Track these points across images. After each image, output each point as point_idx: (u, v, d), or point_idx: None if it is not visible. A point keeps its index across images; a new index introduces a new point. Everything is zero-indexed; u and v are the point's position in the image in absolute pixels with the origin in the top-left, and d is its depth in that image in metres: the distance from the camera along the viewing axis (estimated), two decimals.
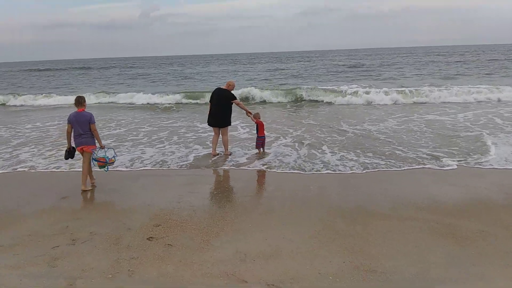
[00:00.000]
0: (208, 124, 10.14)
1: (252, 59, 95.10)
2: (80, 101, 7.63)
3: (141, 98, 23.32)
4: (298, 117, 15.91)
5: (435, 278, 4.25)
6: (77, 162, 8.91)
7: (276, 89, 23.72)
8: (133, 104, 22.52)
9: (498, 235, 5.20)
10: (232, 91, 9.86)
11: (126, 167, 9.20)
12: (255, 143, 10.09)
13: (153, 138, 12.43)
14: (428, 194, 6.84)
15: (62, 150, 9.86)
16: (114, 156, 8.04)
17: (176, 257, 4.80)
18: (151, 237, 5.40)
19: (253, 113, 10.09)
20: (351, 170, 8.35)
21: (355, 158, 9.20)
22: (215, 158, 9.76)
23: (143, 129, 14.05)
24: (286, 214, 6.12)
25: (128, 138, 12.51)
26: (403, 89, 21.00)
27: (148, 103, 22.24)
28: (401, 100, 19.00)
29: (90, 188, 7.82)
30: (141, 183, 8.01)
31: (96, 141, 7.71)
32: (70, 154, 7.82)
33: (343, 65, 52.32)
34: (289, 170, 8.49)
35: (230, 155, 9.89)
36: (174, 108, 20.18)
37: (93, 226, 5.87)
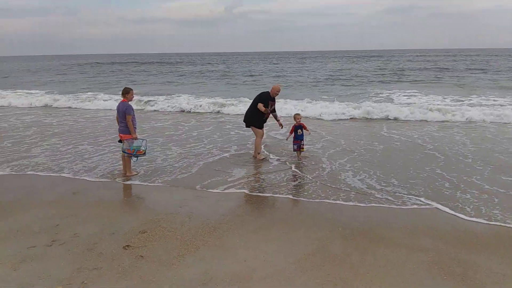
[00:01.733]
0: None
1: (326, 57, 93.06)
2: (123, 92, 8.19)
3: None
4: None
5: None
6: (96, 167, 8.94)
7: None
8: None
9: None
10: (275, 96, 9.59)
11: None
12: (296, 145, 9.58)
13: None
14: (456, 221, 5.94)
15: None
16: (144, 148, 8.31)
17: (139, 272, 4.46)
18: (128, 245, 5.11)
19: (293, 115, 9.85)
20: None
21: (378, 187, 7.46)
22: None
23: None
24: (284, 231, 5.56)
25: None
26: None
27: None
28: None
29: (134, 173, 8.37)
30: (158, 182, 7.86)
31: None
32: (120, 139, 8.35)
33: (419, 68, 48.81)
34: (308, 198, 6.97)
35: (262, 159, 9.47)
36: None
37: (81, 227, 5.71)
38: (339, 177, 8.08)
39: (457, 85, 28.06)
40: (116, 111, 8.25)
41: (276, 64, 65.59)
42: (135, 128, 8.22)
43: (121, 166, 8.60)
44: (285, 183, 7.82)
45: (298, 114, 9.74)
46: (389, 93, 24.07)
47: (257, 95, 9.63)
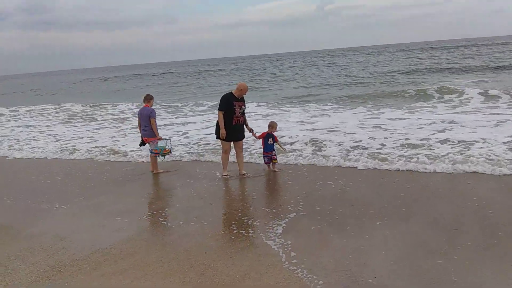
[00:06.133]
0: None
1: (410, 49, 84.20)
2: (146, 98, 9.16)
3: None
4: None
5: None
6: None
7: None
8: None
9: None
10: (241, 96, 8.41)
11: None
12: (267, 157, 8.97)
13: None
14: None
15: None
16: (169, 147, 9.05)
17: None
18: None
19: (269, 123, 9.03)
20: None
21: None
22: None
23: None
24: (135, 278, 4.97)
25: None
26: None
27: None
28: None
29: (160, 171, 9.18)
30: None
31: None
32: (142, 143, 9.22)
33: None
34: None
35: (225, 178, 8.63)
36: None
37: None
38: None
39: None
40: (138, 116, 9.08)
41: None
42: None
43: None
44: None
45: (274, 123, 8.93)
46: None
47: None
